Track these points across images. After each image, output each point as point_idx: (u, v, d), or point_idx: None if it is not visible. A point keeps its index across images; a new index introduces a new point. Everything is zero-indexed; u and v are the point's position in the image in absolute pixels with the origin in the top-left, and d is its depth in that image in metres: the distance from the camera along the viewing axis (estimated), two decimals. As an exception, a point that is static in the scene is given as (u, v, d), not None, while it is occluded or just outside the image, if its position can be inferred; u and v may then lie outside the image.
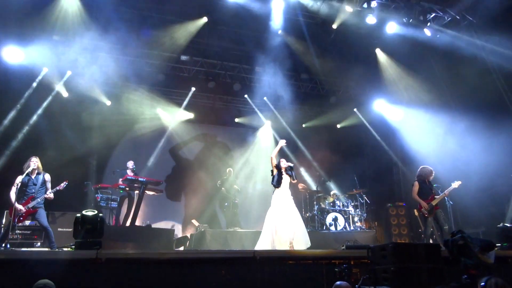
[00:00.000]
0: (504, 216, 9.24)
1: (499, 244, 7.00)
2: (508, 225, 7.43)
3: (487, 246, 3.52)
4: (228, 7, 9.95)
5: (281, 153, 13.37)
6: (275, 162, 7.48)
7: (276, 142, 13.45)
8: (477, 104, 10.14)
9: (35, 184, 6.89)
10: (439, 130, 11.14)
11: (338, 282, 3.94)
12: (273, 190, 7.39)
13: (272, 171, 7.49)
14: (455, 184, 7.66)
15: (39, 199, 6.84)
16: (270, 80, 12.29)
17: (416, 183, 7.89)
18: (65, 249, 6.04)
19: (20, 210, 6.66)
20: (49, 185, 7.07)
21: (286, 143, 7.75)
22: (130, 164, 9.92)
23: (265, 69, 11.96)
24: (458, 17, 10.35)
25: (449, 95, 11.29)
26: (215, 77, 12.26)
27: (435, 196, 7.72)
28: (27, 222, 7.67)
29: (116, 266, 4.71)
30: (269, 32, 10.92)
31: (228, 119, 13.54)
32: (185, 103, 12.40)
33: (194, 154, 12.95)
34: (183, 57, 11.66)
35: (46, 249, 6.87)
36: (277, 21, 10.59)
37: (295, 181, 7.57)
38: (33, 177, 6.92)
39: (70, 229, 6.69)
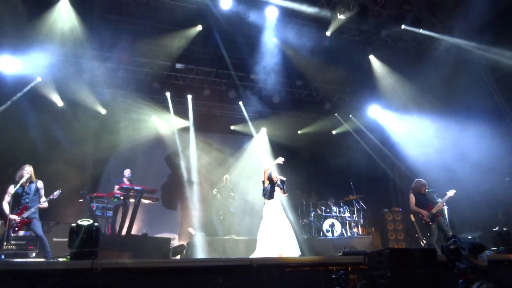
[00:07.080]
0: (500, 220, 9.30)
1: (495, 248, 7.05)
2: (504, 229, 7.48)
3: (475, 248, 3.54)
4: (222, 15, 9.99)
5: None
6: (267, 174, 7.31)
7: (272, 149, 13.52)
8: (472, 110, 10.23)
9: (28, 194, 6.78)
10: (434, 135, 11.21)
11: None
12: (263, 201, 7.26)
13: (263, 182, 7.35)
14: (450, 193, 7.86)
15: (33, 209, 6.74)
16: (265, 87, 12.35)
17: (412, 195, 8.06)
18: (60, 259, 5.99)
19: (15, 220, 6.59)
20: (42, 192, 6.95)
21: (283, 161, 7.38)
22: (127, 172, 9.88)
23: (260, 76, 12.00)
24: (450, 23, 10.48)
25: (443, 101, 11.39)
26: (210, 84, 12.28)
27: (433, 205, 7.83)
28: (22, 233, 7.59)
29: (112, 275, 4.67)
30: (263, 39, 10.97)
31: (224, 127, 13.56)
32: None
33: (190, 162, 12.92)
34: (178, 65, 11.69)
35: (41, 259, 6.81)
36: (271, 28, 10.65)
37: (286, 194, 7.45)
38: (26, 186, 6.79)
39: (66, 239, 6.60)
